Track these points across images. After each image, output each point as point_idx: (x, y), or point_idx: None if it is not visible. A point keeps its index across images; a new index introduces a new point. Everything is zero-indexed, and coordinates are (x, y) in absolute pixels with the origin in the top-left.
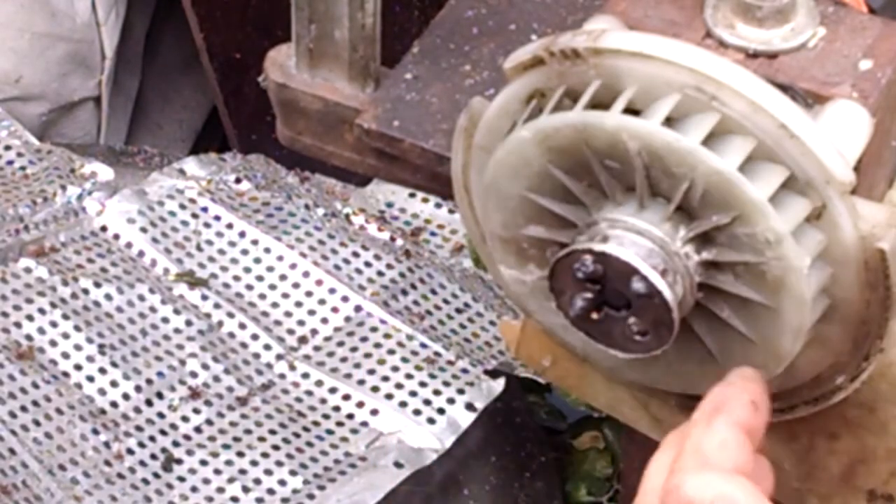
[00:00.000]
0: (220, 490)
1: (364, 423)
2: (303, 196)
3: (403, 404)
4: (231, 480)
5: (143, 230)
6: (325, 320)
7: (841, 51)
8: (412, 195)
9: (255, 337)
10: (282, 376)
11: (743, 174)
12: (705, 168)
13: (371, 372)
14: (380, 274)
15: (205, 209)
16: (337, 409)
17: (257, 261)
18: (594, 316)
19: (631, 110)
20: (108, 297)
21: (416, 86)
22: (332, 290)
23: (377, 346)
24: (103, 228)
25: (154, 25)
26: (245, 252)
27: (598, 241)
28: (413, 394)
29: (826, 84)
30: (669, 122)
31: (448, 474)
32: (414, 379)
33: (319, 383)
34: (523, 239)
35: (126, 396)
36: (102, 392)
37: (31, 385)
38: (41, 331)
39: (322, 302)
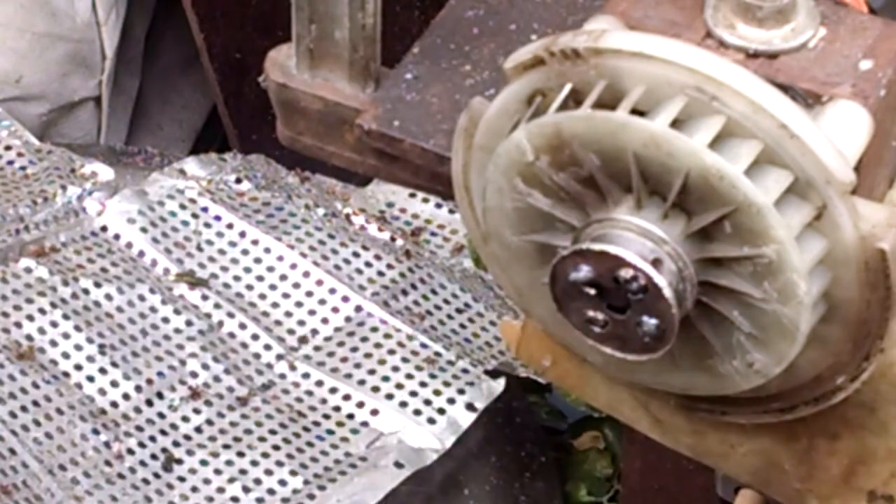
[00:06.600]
0: (221, 490)
1: (364, 424)
2: (303, 196)
3: (404, 404)
4: (231, 480)
5: (144, 230)
6: (325, 320)
7: (841, 51)
8: (412, 195)
9: (255, 337)
10: (282, 376)
11: (748, 177)
12: (706, 169)
13: (371, 372)
14: (380, 274)
15: (205, 209)
16: (337, 409)
17: (258, 261)
18: (594, 317)
19: (634, 110)
20: (109, 297)
21: (416, 86)
22: (332, 291)
23: (377, 346)
24: (103, 228)
25: (154, 25)
26: (245, 252)
27: (596, 240)
28: (413, 394)
29: (826, 84)
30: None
31: (448, 474)
32: (414, 379)
33: (320, 383)
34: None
35: (126, 396)
36: (103, 392)
37: (31, 385)
38: (41, 331)
39: (322, 302)
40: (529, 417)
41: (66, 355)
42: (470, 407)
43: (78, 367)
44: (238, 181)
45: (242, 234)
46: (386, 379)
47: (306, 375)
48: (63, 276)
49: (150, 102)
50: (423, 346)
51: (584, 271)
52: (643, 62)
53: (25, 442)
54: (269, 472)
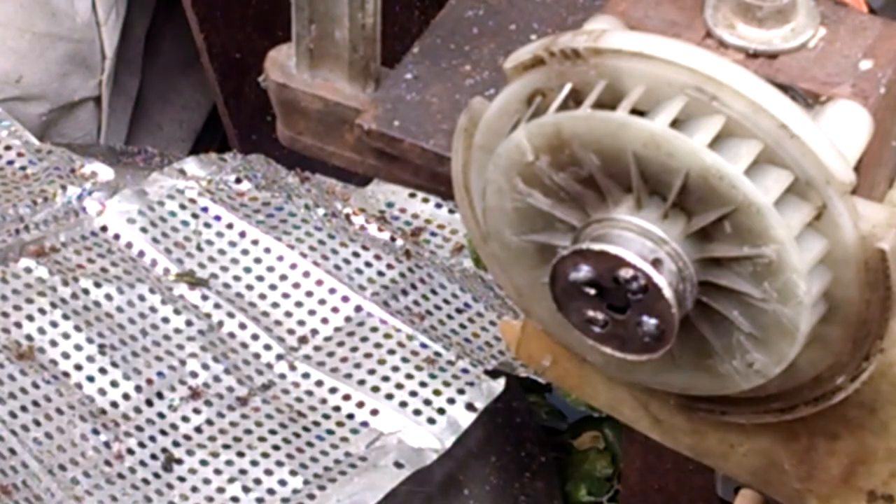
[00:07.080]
0: (221, 490)
1: (364, 424)
2: (303, 196)
3: (404, 404)
4: (231, 480)
5: (144, 230)
6: (325, 320)
7: (841, 51)
8: (412, 195)
9: (255, 337)
10: (282, 376)
11: (749, 177)
12: (706, 169)
13: (371, 372)
14: (380, 274)
15: (205, 209)
16: (337, 409)
17: (257, 261)
18: (594, 317)
19: (634, 110)
20: (109, 297)
21: (416, 86)
22: (332, 291)
23: (377, 346)
24: (103, 228)
25: (154, 25)
26: (245, 252)
27: (596, 240)
28: (413, 394)
29: (826, 84)
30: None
31: (448, 474)
32: (414, 379)
33: (320, 383)
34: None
35: (126, 396)
36: (102, 392)
37: (31, 385)
38: (41, 331)
39: (322, 302)
40: (529, 417)
41: (66, 355)
42: (470, 407)
43: (78, 367)
44: (238, 181)
45: (242, 234)
46: (386, 379)
47: (306, 375)
48: (63, 276)
49: (150, 102)
50: (423, 346)
51: (584, 271)
52: (643, 62)
53: (25, 442)
54: (269, 472)
